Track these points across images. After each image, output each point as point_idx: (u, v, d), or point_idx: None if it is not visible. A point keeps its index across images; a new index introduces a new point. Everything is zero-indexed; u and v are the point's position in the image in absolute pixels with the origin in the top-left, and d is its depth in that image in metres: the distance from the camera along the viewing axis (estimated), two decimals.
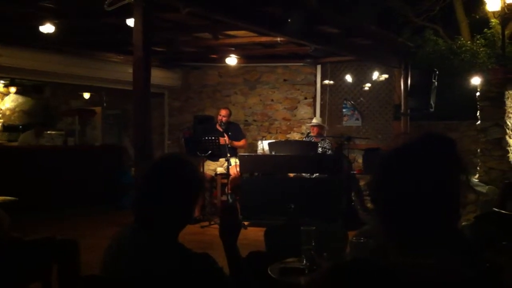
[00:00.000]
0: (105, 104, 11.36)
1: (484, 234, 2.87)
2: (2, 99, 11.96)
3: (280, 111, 10.74)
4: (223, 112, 8.87)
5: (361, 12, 11.43)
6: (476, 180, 8.06)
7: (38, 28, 7.21)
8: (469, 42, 11.53)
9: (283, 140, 10.19)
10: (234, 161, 8.34)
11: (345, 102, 10.28)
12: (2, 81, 11.53)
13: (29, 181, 8.25)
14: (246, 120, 10.78)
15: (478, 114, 8.38)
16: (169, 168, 2.13)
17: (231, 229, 2.25)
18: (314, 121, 9.16)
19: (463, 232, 2.83)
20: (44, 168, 8.82)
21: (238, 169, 8.19)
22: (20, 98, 11.99)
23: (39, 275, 3.92)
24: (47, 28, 7.20)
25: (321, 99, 10.49)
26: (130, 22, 6.07)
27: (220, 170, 8.60)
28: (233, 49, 9.70)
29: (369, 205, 8.33)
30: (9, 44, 8.04)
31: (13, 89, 11.81)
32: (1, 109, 11.89)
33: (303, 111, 10.59)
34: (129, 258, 2.04)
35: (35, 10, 7.05)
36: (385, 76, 9.59)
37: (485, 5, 9.98)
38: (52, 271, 3.99)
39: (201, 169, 8.11)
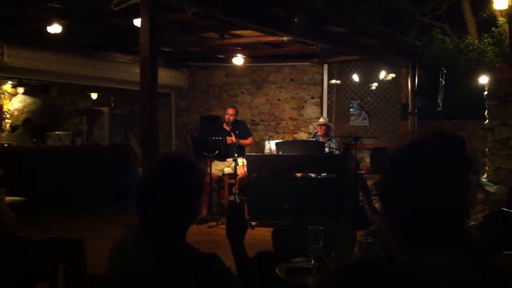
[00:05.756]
0: (112, 104, 11.37)
1: (493, 234, 2.85)
2: (10, 100, 12.01)
3: (287, 111, 10.71)
4: (230, 111, 8.87)
5: (366, 11, 11.40)
6: (485, 180, 8.02)
7: (45, 28, 7.22)
8: (476, 41, 11.50)
9: (290, 140, 10.17)
10: (241, 161, 8.34)
11: (352, 101, 10.25)
12: (10, 82, 11.57)
13: (36, 181, 8.27)
14: (253, 120, 10.76)
15: (485, 113, 8.34)
16: (170, 166, 2.12)
17: (238, 229, 2.24)
18: (321, 120, 9.17)
19: (471, 232, 2.81)
20: (52, 168, 8.86)
21: (245, 169, 8.19)
22: (28, 99, 12.03)
23: (45, 275, 3.94)
24: (54, 28, 7.21)
25: (328, 99, 10.45)
26: (137, 22, 6.08)
27: (227, 170, 8.60)
28: (240, 48, 9.69)
29: (376, 204, 8.31)
30: (17, 45, 8.05)
31: (21, 90, 11.85)
32: (9, 110, 11.95)
33: (310, 110, 10.56)
34: (135, 258, 2.03)
35: (42, 11, 7.07)
36: (392, 75, 9.55)
37: (493, 3, 9.93)
38: (59, 271, 4.00)
39: (208, 169, 8.12)
